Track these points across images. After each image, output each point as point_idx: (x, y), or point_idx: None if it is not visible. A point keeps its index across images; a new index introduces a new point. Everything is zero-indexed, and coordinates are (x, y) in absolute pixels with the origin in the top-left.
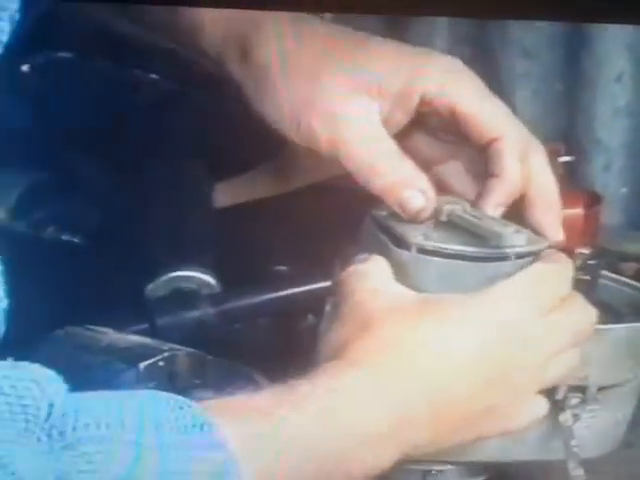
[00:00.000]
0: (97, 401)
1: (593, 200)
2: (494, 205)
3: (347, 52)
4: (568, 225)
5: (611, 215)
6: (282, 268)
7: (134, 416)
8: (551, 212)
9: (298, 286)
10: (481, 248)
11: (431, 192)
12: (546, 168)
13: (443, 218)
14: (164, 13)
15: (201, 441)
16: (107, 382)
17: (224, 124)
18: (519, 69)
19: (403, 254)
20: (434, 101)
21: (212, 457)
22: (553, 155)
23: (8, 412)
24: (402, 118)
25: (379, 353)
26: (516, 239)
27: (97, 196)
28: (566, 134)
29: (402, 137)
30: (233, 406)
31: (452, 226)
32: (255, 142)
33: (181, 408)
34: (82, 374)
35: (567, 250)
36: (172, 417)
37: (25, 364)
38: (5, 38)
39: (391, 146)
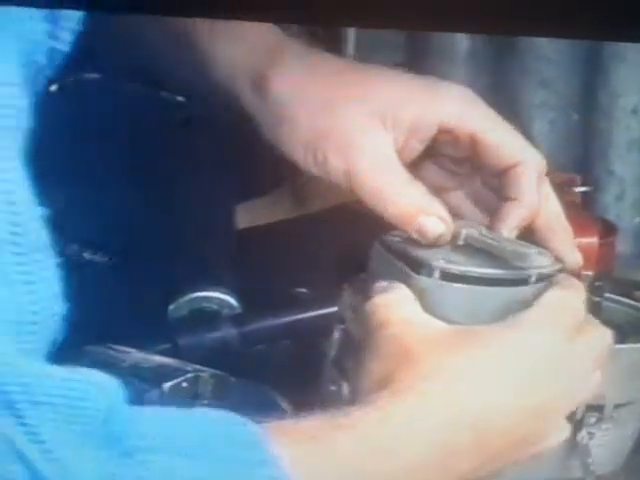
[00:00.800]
0: (154, 414)
1: (609, 230)
2: (510, 228)
3: (361, 83)
4: (584, 254)
5: (624, 244)
6: (303, 290)
7: (189, 430)
8: (568, 236)
9: (318, 308)
10: (504, 270)
11: (448, 217)
12: (554, 194)
13: (460, 242)
14: (178, 51)
15: (255, 458)
16: (130, 403)
17: (245, 147)
18: (536, 100)
19: (422, 280)
20: (454, 130)
21: (266, 474)
22: (570, 185)
23: (67, 414)
24: (417, 147)
25: (423, 383)
26: (540, 260)
27: (120, 216)
28: (581, 164)
29: (412, 167)
30: (286, 428)
31: (471, 249)
32: (275, 165)
33: (236, 425)
34: None
35: (574, 274)
36: (227, 433)
37: (84, 369)
38: (67, 49)
39: (405, 175)
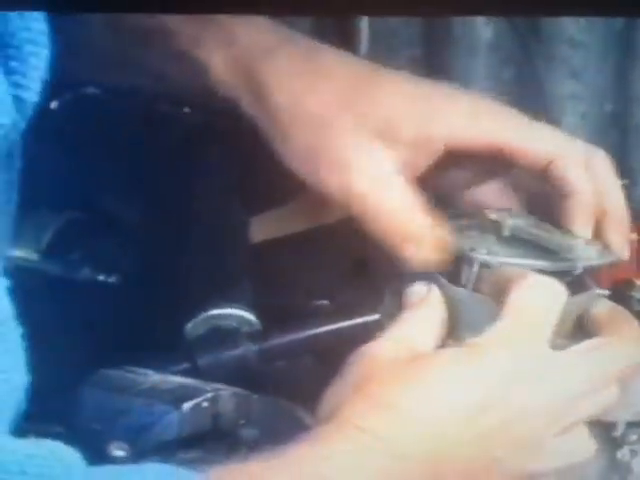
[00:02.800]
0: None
1: None
2: (581, 226)
3: (361, 97)
4: None
5: None
6: (324, 302)
7: None
8: (622, 227)
9: (341, 321)
10: (548, 262)
11: (442, 244)
12: (614, 178)
13: (506, 233)
14: (171, 59)
15: None
16: (150, 425)
17: (257, 157)
18: (566, 90)
19: (458, 291)
20: (464, 143)
21: None
22: None
23: None
24: (424, 161)
25: (367, 415)
26: (588, 251)
27: (132, 235)
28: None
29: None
30: (231, 474)
31: (517, 241)
32: (290, 175)
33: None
34: (123, 417)
35: (622, 280)
36: None
37: (48, 442)
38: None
39: (402, 197)
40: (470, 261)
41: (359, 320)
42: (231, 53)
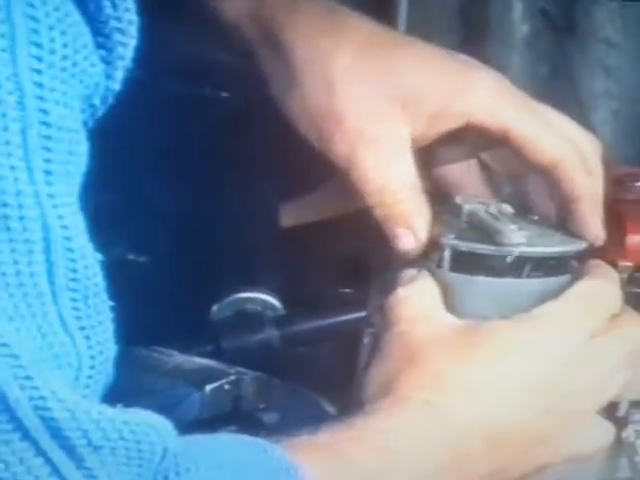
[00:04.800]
0: (193, 445)
1: None
2: (595, 229)
3: (386, 61)
4: None
5: None
6: (347, 290)
7: (225, 459)
8: (594, 208)
9: (363, 309)
10: (490, 246)
11: (424, 234)
12: (599, 167)
13: (464, 218)
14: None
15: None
16: (172, 406)
17: (290, 143)
18: (599, 88)
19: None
20: (484, 124)
21: None
22: (633, 178)
23: (125, 457)
24: (436, 135)
25: (427, 388)
26: (515, 237)
27: (163, 216)
28: None
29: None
30: (302, 445)
31: (474, 226)
32: (320, 161)
33: (265, 452)
34: (146, 397)
35: (612, 264)
36: (257, 460)
37: (139, 410)
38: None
39: (406, 175)
40: (441, 246)
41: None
42: (251, 12)
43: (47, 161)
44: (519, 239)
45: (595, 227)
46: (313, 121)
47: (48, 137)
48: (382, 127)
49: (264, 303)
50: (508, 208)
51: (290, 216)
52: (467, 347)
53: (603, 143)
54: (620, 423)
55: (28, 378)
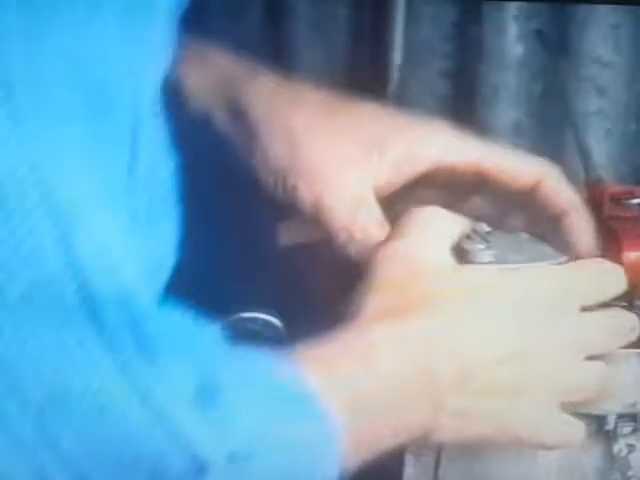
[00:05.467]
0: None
1: None
2: (586, 241)
3: (344, 115)
4: None
5: None
6: (347, 308)
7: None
8: (586, 220)
9: None
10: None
11: None
12: (571, 190)
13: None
14: None
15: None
16: None
17: None
18: (592, 108)
19: None
20: (454, 164)
21: (315, 428)
22: (628, 197)
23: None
24: (405, 179)
25: (408, 313)
26: (483, 256)
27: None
28: (639, 175)
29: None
30: (315, 354)
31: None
32: None
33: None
34: None
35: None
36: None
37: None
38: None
39: (372, 215)
40: None
41: None
42: (209, 72)
43: None
44: (488, 258)
45: (587, 237)
46: (277, 174)
47: None
48: (347, 173)
49: (263, 322)
50: (483, 227)
51: (288, 236)
52: (459, 280)
53: (597, 162)
54: (609, 437)
55: None
